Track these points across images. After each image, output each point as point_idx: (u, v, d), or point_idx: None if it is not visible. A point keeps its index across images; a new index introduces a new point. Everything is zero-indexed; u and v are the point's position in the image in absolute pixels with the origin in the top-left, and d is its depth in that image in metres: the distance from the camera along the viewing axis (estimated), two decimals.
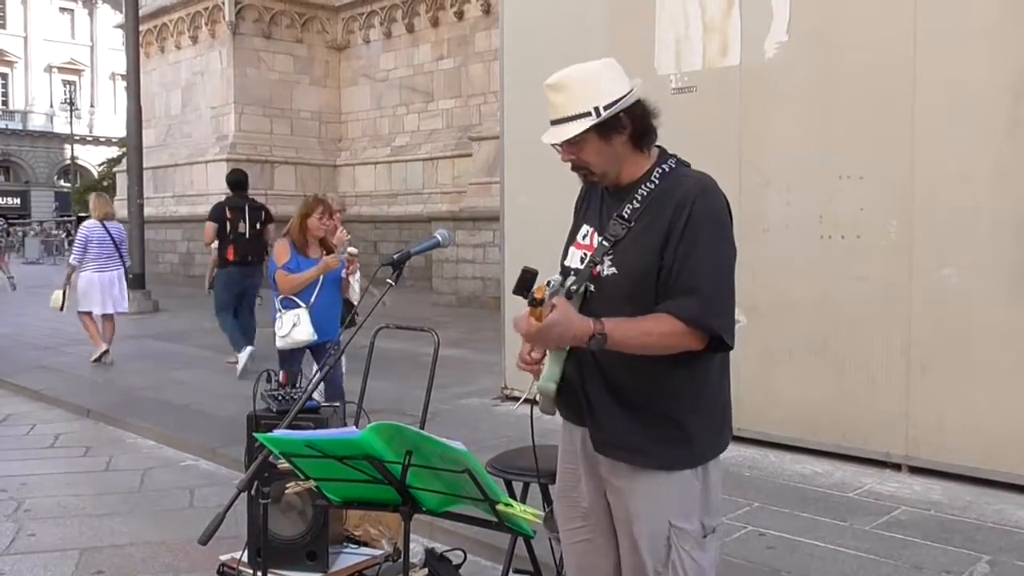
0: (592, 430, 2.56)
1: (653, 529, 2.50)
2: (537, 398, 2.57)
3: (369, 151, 23.76)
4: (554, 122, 2.51)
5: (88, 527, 5.47)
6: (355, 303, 6.94)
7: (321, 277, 6.38)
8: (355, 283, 7.03)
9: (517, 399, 7.99)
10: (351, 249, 6.71)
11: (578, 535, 2.74)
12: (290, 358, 6.54)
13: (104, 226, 10.92)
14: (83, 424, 8.29)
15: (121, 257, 11.16)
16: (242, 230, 10.18)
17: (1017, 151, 5.43)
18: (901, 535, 4.82)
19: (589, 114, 2.44)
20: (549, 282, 2.31)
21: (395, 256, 3.20)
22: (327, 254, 6.45)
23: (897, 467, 5.91)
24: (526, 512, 2.16)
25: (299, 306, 6.38)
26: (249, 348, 9.88)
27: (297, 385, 4.16)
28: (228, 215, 10.20)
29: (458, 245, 16.53)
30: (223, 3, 23.02)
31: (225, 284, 10.26)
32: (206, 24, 23.73)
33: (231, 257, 10.15)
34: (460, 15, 21.50)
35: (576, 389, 2.56)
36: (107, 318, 11.01)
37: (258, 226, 10.32)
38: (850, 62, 5.99)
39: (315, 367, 6.36)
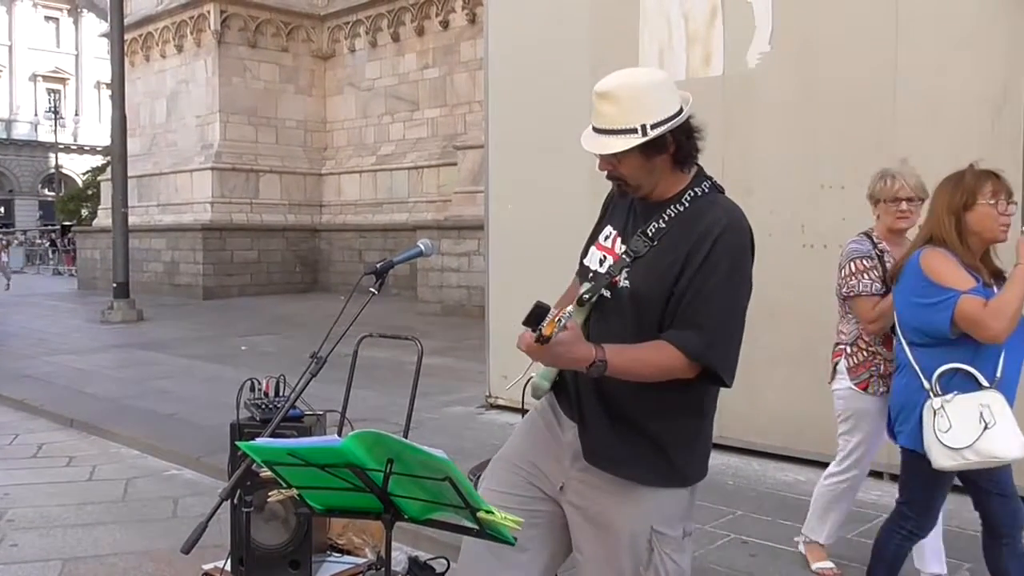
0: (582, 438, 2.55)
1: (634, 531, 2.50)
2: (530, 387, 2.60)
3: (354, 160, 23.78)
4: (597, 130, 2.44)
5: (71, 537, 5.46)
6: None
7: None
8: None
9: (503, 407, 8.01)
10: None
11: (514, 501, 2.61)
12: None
13: None
14: (67, 434, 8.26)
15: None
16: None
17: (997, 162, 5.43)
18: None
19: (635, 131, 2.37)
20: (560, 318, 2.27)
21: (378, 265, 3.21)
22: (994, 276, 3.51)
23: (879, 475, 5.92)
24: (507, 519, 2.17)
25: (977, 384, 3.36)
26: None
27: (280, 393, 4.15)
28: None
29: (443, 254, 16.53)
30: (208, 12, 23.04)
31: None
32: (191, 33, 23.72)
33: None
34: (445, 24, 21.56)
35: (571, 393, 2.57)
36: None
37: None
38: (832, 73, 6.04)
39: None
